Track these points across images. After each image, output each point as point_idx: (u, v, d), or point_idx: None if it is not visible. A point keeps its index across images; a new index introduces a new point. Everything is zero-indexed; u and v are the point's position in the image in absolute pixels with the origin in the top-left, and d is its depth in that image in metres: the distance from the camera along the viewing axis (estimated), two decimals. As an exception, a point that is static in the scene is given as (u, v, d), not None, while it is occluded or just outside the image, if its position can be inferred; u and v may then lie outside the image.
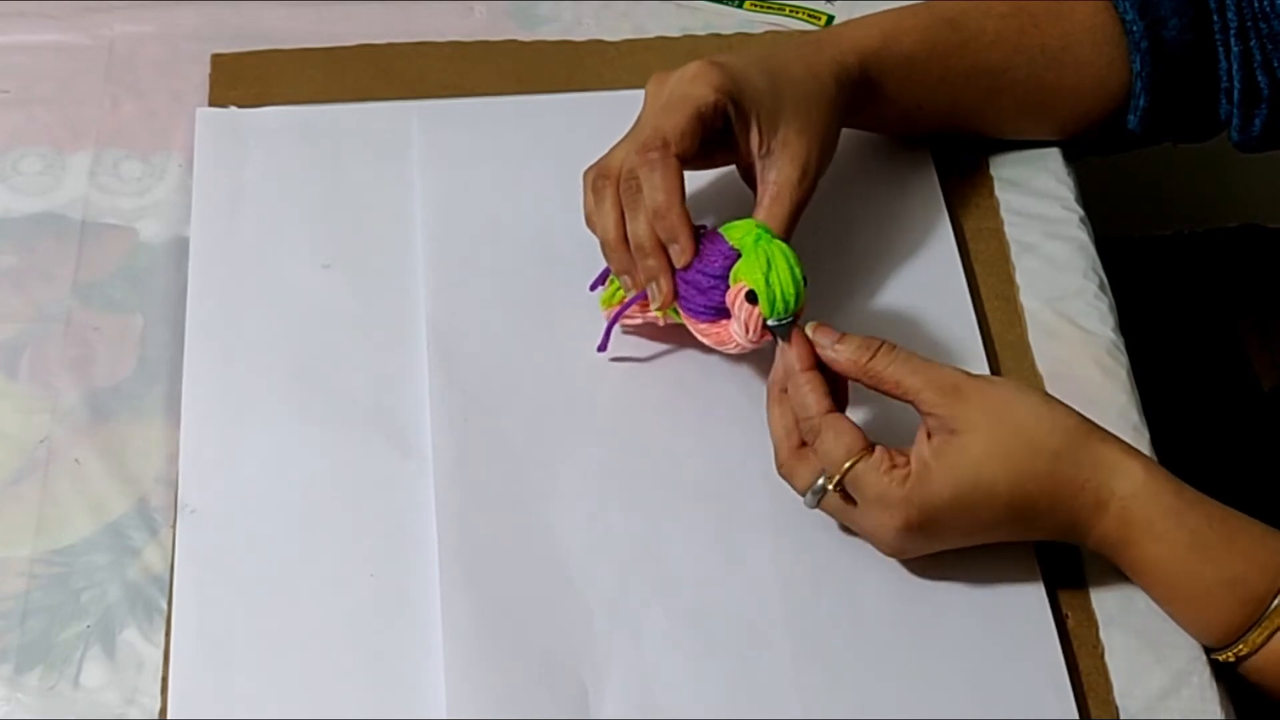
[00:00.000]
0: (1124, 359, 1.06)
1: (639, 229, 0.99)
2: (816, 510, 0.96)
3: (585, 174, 1.02)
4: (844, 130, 1.09)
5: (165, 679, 0.92)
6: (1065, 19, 1.10)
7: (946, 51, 1.08)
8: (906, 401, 0.94)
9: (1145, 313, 1.14)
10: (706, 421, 1.01)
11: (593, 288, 1.05)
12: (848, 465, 0.92)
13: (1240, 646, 0.92)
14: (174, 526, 0.97)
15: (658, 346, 1.04)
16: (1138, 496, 0.92)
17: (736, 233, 0.99)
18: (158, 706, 0.91)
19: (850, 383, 0.97)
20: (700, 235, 1.00)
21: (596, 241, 1.02)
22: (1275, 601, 0.91)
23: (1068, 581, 0.96)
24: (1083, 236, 1.11)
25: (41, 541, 0.97)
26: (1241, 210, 1.43)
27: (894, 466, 0.92)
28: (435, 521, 0.96)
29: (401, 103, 1.16)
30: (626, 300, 1.02)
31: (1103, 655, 0.94)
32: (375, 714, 0.91)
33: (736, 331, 0.98)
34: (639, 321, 1.03)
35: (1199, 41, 1.09)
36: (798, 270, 0.97)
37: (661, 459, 1.00)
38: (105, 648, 0.93)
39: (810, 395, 0.94)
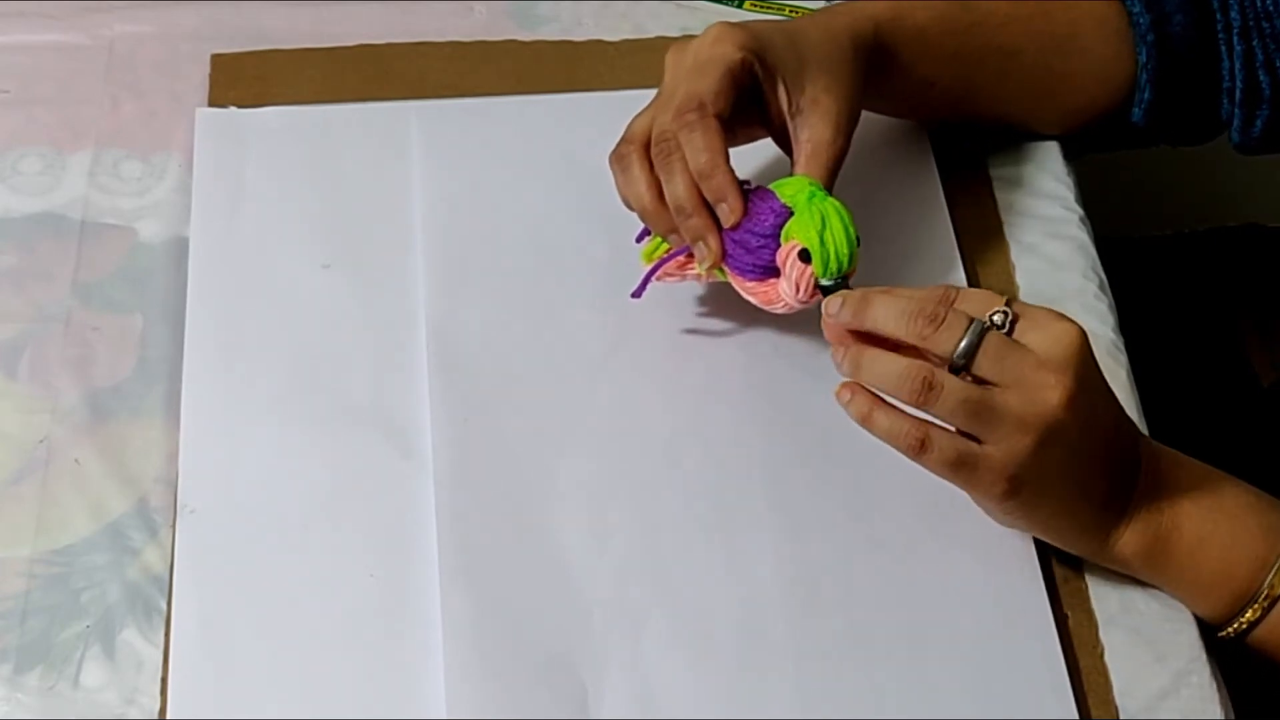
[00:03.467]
0: (1124, 359, 1.06)
1: (678, 190, 0.98)
2: (816, 510, 0.96)
3: (610, 156, 1.02)
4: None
5: (165, 679, 0.92)
6: (1074, 7, 1.10)
7: (958, 29, 1.08)
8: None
9: (1145, 313, 1.14)
10: (706, 422, 1.01)
11: (639, 239, 1.04)
12: (1007, 299, 0.90)
13: (1240, 622, 0.93)
14: (174, 526, 0.97)
15: (658, 346, 1.04)
16: (1163, 455, 0.95)
17: (788, 190, 0.98)
18: (157, 706, 0.91)
19: None
20: (747, 193, 0.99)
21: (597, 241, 1.02)
22: (1272, 574, 0.92)
23: (1068, 581, 0.96)
24: (1083, 236, 1.11)
25: (41, 541, 0.97)
26: (1241, 210, 1.43)
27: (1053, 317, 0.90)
28: (435, 521, 0.96)
29: (401, 103, 1.16)
30: (671, 252, 1.00)
31: (1103, 655, 0.94)
32: (375, 714, 0.91)
33: (786, 291, 0.97)
34: (677, 279, 1.02)
35: (1202, 39, 1.09)
36: (852, 229, 0.96)
37: (661, 459, 1.00)
38: (105, 648, 0.93)
39: (927, 291, 0.91)
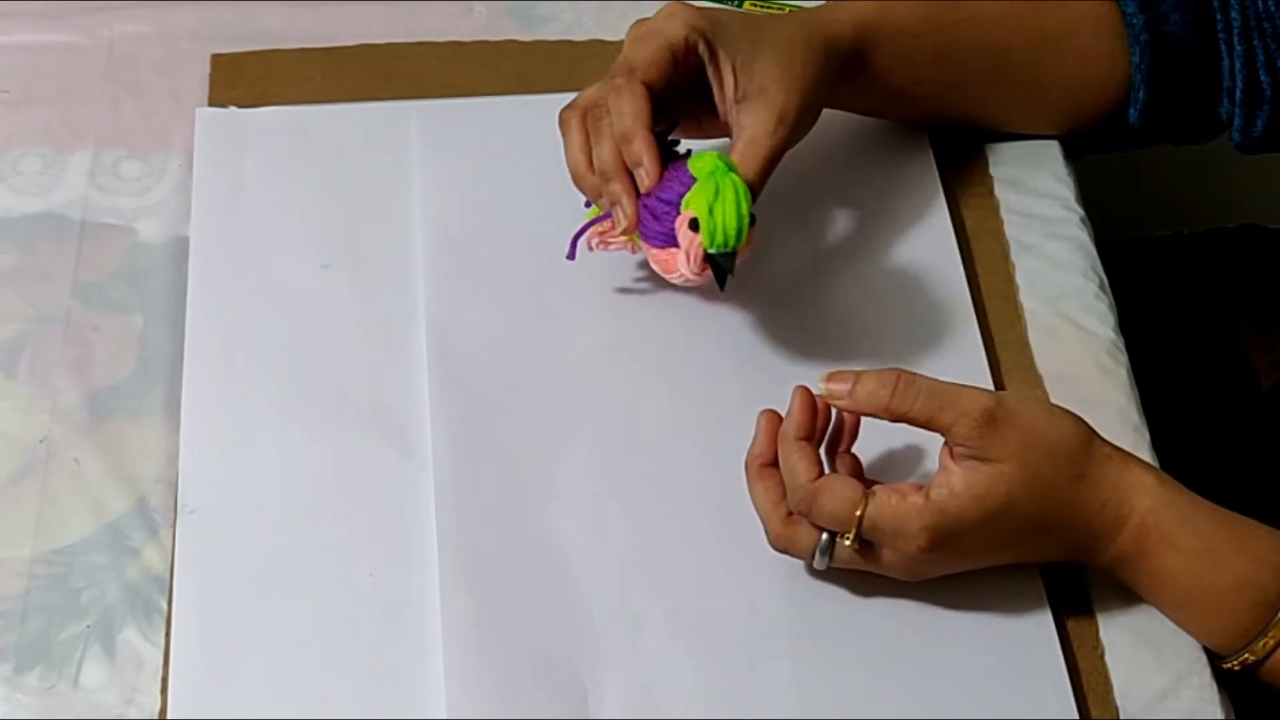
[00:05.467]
0: (1124, 359, 1.06)
1: (603, 153, 0.99)
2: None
3: (563, 117, 1.03)
4: (844, 129, 1.09)
5: (165, 679, 0.92)
6: (1066, 6, 1.10)
7: (945, 27, 1.08)
8: (934, 432, 0.91)
9: (1145, 313, 1.14)
10: (706, 422, 1.01)
11: (587, 205, 1.05)
12: (858, 513, 0.90)
13: (1247, 655, 0.92)
14: (174, 526, 0.97)
15: (658, 346, 1.04)
16: (1154, 510, 0.92)
17: (700, 162, 0.98)
18: (157, 706, 0.91)
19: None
20: (677, 160, 1.00)
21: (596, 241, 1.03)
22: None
23: (1068, 582, 0.96)
24: (1083, 236, 1.11)
25: (41, 541, 0.97)
26: (1241, 210, 1.43)
27: (904, 497, 0.90)
28: (435, 521, 0.96)
29: (401, 103, 1.16)
30: (596, 216, 1.02)
31: (1103, 655, 0.94)
32: (375, 714, 0.91)
33: (681, 260, 0.98)
34: (608, 248, 1.03)
35: (1200, 38, 1.09)
36: (744, 205, 0.96)
37: (661, 459, 1.00)
38: (105, 648, 0.93)
39: (800, 463, 0.92)
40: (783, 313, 1.05)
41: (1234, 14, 1.08)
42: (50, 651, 0.93)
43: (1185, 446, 0.99)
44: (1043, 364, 1.05)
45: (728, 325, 1.05)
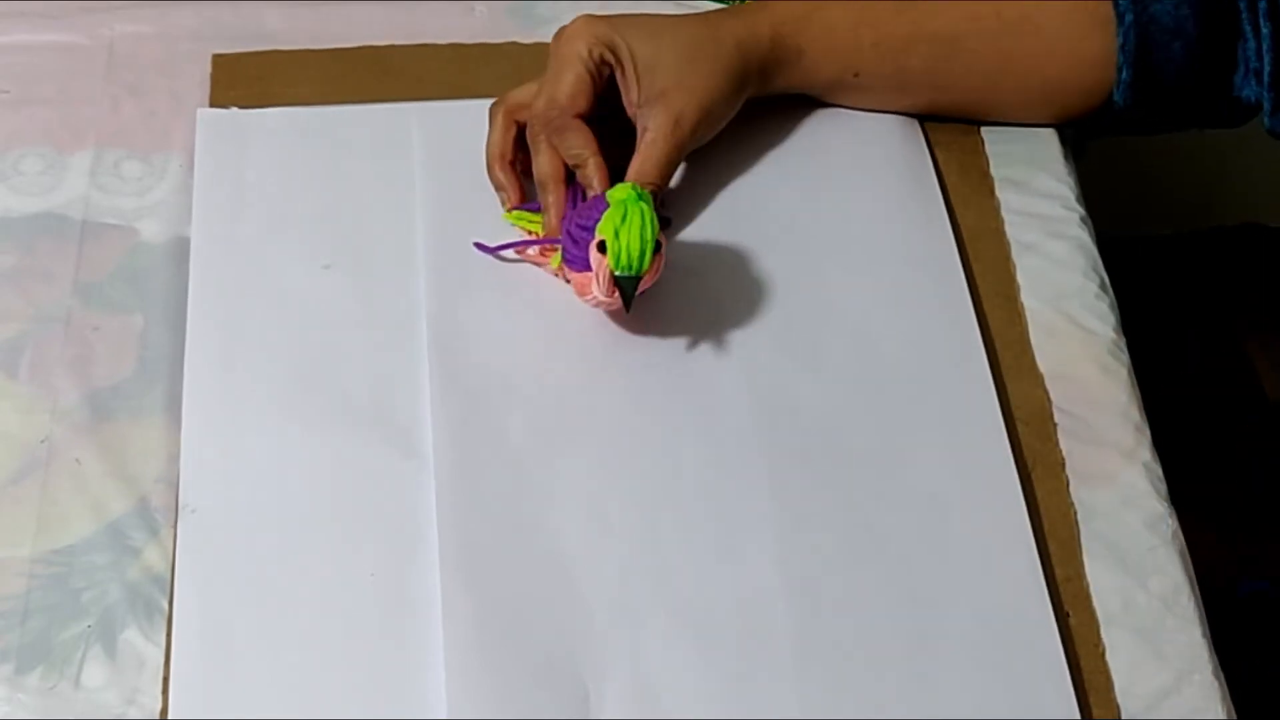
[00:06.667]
0: (1124, 359, 1.06)
1: (542, 165, 1.06)
2: (816, 510, 0.96)
3: (491, 109, 1.10)
4: (842, 128, 1.09)
5: (166, 679, 0.92)
6: None
7: (878, 19, 1.10)
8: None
9: (1145, 313, 1.14)
10: (707, 421, 1.01)
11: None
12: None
13: None
14: (174, 526, 0.97)
15: (658, 346, 1.04)
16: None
17: (616, 191, 1.02)
18: (158, 707, 0.91)
19: None
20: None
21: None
22: None
23: (1069, 581, 0.96)
24: (1083, 236, 1.11)
25: (42, 541, 0.97)
26: (1241, 209, 1.43)
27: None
28: (435, 521, 0.96)
29: (402, 104, 1.16)
30: (537, 237, 1.06)
31: (1104, 654, 0.94)
32: (375, 714, 0.91)
33: (592, 282, 1.01)
34: (534, 264, 1.07)
35: (1202, 18, 1.08)
36: (650, 230, 0.99)
37: (661, 459, 1.00)
38: (106, 647, 0.93)
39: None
40: (783, 313, 1.06)
41: None
42: (51, 651, 0.93)
43: (1186, 446, 0.99)
44: (1043, 363, 1.05)
45: (728, 326, 1.05)
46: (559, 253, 1.05)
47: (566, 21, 1.21)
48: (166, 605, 0.94)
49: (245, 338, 1.04)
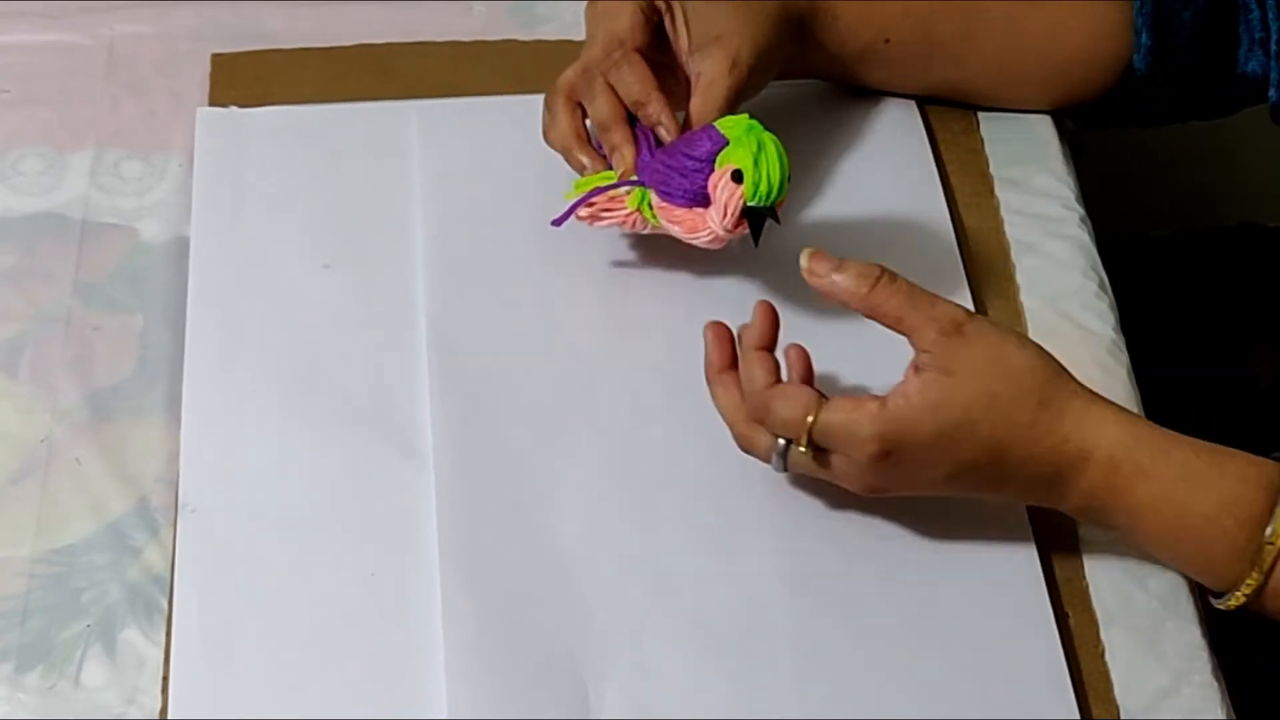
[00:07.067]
0: (1124, 358, 1.06)
1: (601, 108, 1.03)
2: (817, 510, 0.96)
3: (547, 99, 1.07)
4: (840, 129, 1.08)
5: (166, 679, 0.92)
6: None
7: None
8: (902, 334, 0.92)
9: (1145, 313, 1.14)
10: (707, 422, 1.01)
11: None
12: (810, 420, 0.90)
13: (1249, 582, 0.89)
14: (174, 526, 0.97)
15: (658, 345, 1.04)
16: (1122, 442, 0.90)
17: (727, 123, 1.00)
18: (158, 706, 0.91)
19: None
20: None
21: (597, 240, 1.03)
22: (1270, 528, 0.88)
23: (1068, 581, 0.96)
24: (1083, 236, 1.11)
25: (42, 541, 0.97)
26: (1240, 209, 1.43)
27: (859, 404, 0.90)
28: (435, 521, 0.96)
29: (401, 103, 1.16)
30: (601, 187, 1.03)
31: (1103, 655, 0.94)
32: (375, 714, 0.91)
33: (713, 217, 0.99)
34: (608, 223, 1.04)
35: None
36: (786, 160, 0.98)
37: (662, 458, 1.00)
38: (106, 647, 0.93)
39: (758, 369, 0.93)
40: (783, 313, 1.05)
41: None
42: (51, 651, 0.93)
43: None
44: (1043, 363, 1.05)
45: (729, 325, 1.05)
46: (636, 193, 1.02)
47: (566, 21, 1.22)
48: (166, 605, 0.94)
49: (245, 337, 1.04)
